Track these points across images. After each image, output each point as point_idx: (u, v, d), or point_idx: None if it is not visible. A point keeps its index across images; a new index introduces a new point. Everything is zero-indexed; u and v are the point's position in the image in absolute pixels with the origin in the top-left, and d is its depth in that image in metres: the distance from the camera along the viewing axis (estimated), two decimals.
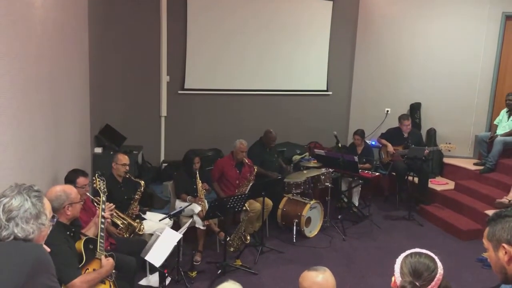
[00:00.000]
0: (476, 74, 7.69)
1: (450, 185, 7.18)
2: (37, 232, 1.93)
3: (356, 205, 6.81)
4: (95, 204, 4.02)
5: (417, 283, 1.89)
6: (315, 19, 8.18)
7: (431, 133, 7.89)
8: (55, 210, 2.99)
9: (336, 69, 8.49)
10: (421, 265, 1.92)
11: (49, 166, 3.91)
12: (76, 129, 4.96)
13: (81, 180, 3.90)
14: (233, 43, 7.61)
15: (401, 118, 7.06)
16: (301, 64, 8.22)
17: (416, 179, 6.89)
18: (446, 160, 7.70)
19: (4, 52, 2.83)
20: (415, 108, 8.02)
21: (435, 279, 1.90)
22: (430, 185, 7.04)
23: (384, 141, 7.12)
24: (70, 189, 3.18)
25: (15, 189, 1.93)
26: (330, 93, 8.55)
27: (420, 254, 1.98)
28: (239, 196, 4.90)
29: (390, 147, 6.97)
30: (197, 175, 5.30)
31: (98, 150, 5.93)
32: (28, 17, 3.31)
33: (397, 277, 1.95)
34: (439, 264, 1.94)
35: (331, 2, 8.16)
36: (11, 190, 1.92)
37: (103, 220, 3.38)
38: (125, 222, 4.42)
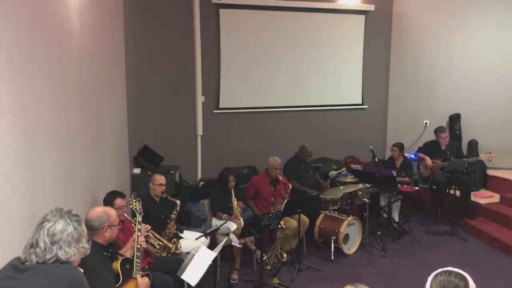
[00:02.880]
0: None
1: (495, 198, 6.89)
2: (78, 255, 2.01)
3: (396, 220, 6.65)
4: (133, 224, 4.11)
5: None
6: (348, 33, 8.16)
7: (473, 144, 7.63)
8: (94, 229, 3.10)
9: (371, 82, 8.40)
10: (450, 284, 1.88)
11: (88, 188, 4.05)
12: (114, 151, 5.12)
13: (118, 201, 4.01)
14: (266, 61, 7.69)
15: (437, 131, 6.89)
16: (335, 78, 8.19)
17: (458, 192, 6.66)
18: (489, 172, 7.40)
19: (44, 79, 2.98)
20: (454, 119, 7.80)
21: None
22: (474, 198, 6.79)
23: (421, 155, 6.94)
24: (111, 211, 3.29)
25: (56, 213, 2.02)
26: (366, 106, 8.45)
27: (450, 272, 1.95)
28: (274, 214, 4.89)
29: (429, 161, 6.79)
30: (232, 193, 5.34)
31: (137, 170, 6.09)
32: (66, 44, 3.48)
33: None
34: (471, 283, 1.89)
35: (363, 16, 8.12)
36: (53, 215, 2.01)
37: (139, 243, 3.45)
38: (161, 243, 4.49)
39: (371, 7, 8.06)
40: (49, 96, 3.07)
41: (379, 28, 8.28)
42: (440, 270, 1.97)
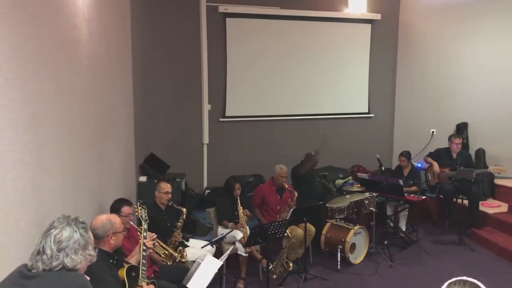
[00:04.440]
0: None
1: (503, 207, 6.82)
2: (84, 262, 2.00)
3: (403, 230, 6.60)
4: (139, 232, 4.11)
5: None
6: (354, 42, 8.18)
7: (480, 153, 7.57)
8: (99, 237, 3.09)
9: (378, 90, 8.40)
10: None
11: (95, 195, 4.05)
12: (121, 159, 5.13)
13: (125, 209, 4.01)
14: (272, 70, 7.72)
15: (452, 136, 6.87)
16: (341, 87, 8.20)
17: (465, 202, 6.61)
18: (497, 181, 7.32)
19: (52, 86, 3.00)
20: (461, 128, 7.75)
21: None
22: (481, 207, 6.72)
23: (430, 160, 6.89)
24: (115, 219, 3.29)
25: (63, 220, 2.02)
26: (372, 115, 8.45)
27: (465, 282, 1.90)
28: (280, 222, 4.87)
29: (436, 167, 6.75)
30: (238, 201, 5.33)
31: (143, 178, 6.09)
32: (75, 52, 3.51)
33: None
34: None
35: (370, 25, 8.14)
36: (60, 222, 2.01)
37: (144, 248, 3.45)
38: (166, 252, 4.48)
39: (377, 16, 8.09)
40: (57, 103, 3.09)
41: (386, 37, 8.29)
42: (454, 279, 1.92)
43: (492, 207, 6.87)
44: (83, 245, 1.98)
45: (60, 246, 1.93)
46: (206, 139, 7.51)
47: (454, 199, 6.62)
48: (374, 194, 6.13)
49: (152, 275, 3.86)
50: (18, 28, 2.51)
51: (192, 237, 5.32)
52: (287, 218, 5.27)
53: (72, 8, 3.44)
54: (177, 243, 4.72)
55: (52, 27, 3.03)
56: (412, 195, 6.44)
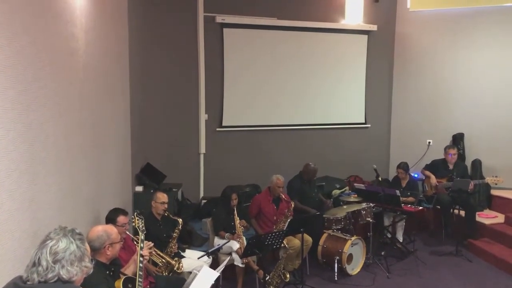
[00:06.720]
0: None
1: (500, 218, 6.83)
2: (80, 274, 1.98)
3: (401, 240, 6.58)
4: (135, 242, 4.07)
5: None
6: (351, 53, 8.22)
7: (476, 164, 7.60)
8: (96, 249, 3.06)
9: (374, 101, 8.43)
10: None
11: (91, 205, 4.03)
12: (117, 168, 5.11)
13: (121, 218, 3.99)
14: (269, 80, 7.74)
15: (447, 147, 6.91)
16: (338, 97, 8.22)
17: (462, 212, 6.61)
18: (494, 192, 7.34)
19: (48, 96, 2.99)
20: (458, 139, 7.78)
21: None
22: (478, 218, 6.71)
23: (427, 173, 6.91)
24: (111, 229, 3.26)
25: (60, 232, 2.00)
26: (369, 125, 8.46)
27: None
28: (277, 233, 4.84)
29: (433, 179, 6.76)
30: (235, 211, 5.30)
31: (139, 188, 6.07)
32: (71, 62, 3.51)
33: None
34: None
35: (366, 36, 8.19)
36: (56, 233, 1.99)
37: (141, 259, 3.41)
38: (163, 260, 4.44)
39: (373, 27, 8.14)
40: (52, 113, 3.07)
41: (382, 48, 8.34)
42: None
43: (488, 218, 6.88)
44: (79, 257, 1.96)
45: (56, 257, 1.90)
46: (202, 149, 7.49)
47: (451, 210, 6.63)
48: (371, 204, 6.12)
49: (148, 287, 3.82)
50: (15, 37, 2.51)
51: (188, 248, 5.29)
52: (284, 228, 5.24)
53: (70, 18, 3.45)
54: (173, 254, 4.68)
55: (49, 37, 3.03)
56: (409, 205, 6.43)
